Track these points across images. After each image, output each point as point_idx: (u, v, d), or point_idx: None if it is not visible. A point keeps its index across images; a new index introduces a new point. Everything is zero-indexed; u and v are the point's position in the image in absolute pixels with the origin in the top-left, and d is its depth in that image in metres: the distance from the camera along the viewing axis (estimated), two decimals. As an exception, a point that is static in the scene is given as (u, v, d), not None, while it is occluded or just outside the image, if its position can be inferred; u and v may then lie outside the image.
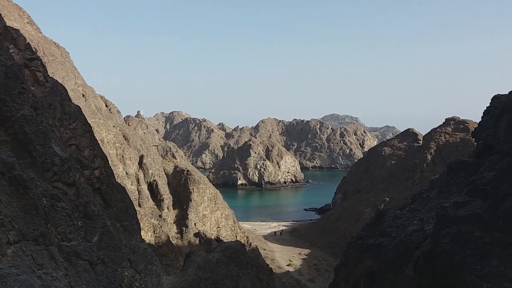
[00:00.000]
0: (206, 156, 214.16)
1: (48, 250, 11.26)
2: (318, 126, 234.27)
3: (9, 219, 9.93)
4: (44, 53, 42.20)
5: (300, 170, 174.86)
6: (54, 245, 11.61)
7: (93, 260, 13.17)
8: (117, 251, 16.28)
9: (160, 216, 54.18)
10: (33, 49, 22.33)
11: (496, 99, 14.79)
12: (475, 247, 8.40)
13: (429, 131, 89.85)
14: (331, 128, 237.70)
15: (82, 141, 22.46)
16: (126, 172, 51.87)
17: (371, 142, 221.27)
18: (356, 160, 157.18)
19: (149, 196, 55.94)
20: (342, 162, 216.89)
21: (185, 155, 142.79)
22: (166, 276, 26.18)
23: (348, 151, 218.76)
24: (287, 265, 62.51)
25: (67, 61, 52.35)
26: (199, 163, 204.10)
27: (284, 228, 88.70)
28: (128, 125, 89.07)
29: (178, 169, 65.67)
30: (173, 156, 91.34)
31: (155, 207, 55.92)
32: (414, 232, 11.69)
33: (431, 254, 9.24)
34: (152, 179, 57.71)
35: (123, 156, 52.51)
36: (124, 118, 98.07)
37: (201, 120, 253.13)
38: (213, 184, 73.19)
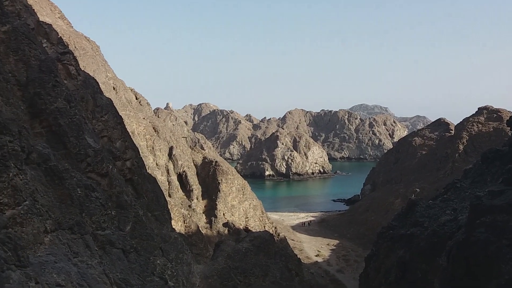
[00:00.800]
0: (233, 147, 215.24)
1: (83, 238, 11.62)
2: (347, 117, 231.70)
3: (45, 209, 10.27)
4: (75, 47, 43.14)
5: (328, 161, 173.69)
6: (89, 234, 11.97)
7: (126, 248, 13.51)
8: (149, 240, 16.65)
9: (189, 206, 54.95)
10: (65, 43, 22.87)
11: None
12: (511, 236, 8.19)
13: (461, 120, 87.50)
14: (360, 119, 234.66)
15: (114, 133, 22.94)
16: (156, 163, 52.73)
17: (401, 132, 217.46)
18: (385, 151, 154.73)
19: (179, 187, 56.75)
20: (371, 152, 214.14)
21: (213, 146, 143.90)
22: (197, 265, 26.61)
23: (377, 141, 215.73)
24: (316, 256, 62.42)
25: (98, 54, 53.40)
26: (227, 154, 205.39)
27: (312, 219, 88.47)
28: (158, 117, 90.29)
29: (206, 160, 66.25)
30: (202, 148, 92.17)
31: (185, 197, 56.69)
32: (447, 222, 11.47)
33: (465, 243, 9.06)
34: (181, 170, 58.46)
35: (153, 148, 53.38)
36: (153, 110, 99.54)
37: (228, 111, 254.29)
38: (240, 175, 73.53)
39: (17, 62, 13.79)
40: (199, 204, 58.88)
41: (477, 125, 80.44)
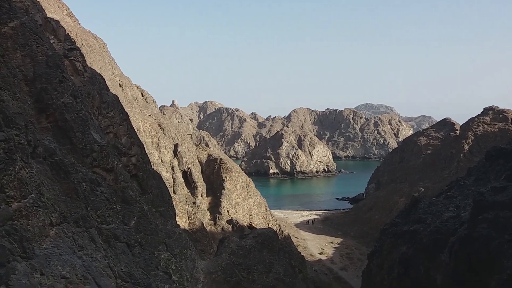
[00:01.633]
0: (238, 145, 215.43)
1: (88, 232, 11.75)
2: (352, 116, 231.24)
3: (51, 202, 10.39)
4: (82, 44, 43.34)
5: (332, 159, 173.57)
6: (94, 228, 12.10)
7: (131, 242, 13.64)
8: (153, 234, 16.78)
9: (194, 203, 55.15)
10: (72, 40, 23.04)
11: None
12: (513, 233, 8.21)
13: (466, 120, 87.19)
14: (365, 118, 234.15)
15: (119, 129, 23.09)
16: (161, 160, 52.94)
17: (406, 131, 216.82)
18: (390, 150, 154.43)
19: (184, 184, 56.97)
20: (375, 152, 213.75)
21: (218, 144, 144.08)
22: (201, 261, 26.75)
23: (382, 140, 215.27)
24: (319, 254, 62.50)
25: (105, 51, 53.64)
26: (232, 152, 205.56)
27: (316, 217, 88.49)
28: (163, 114, 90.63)
29: (211, 158, 66.45)
30: (207, 145, 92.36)
31: (189, 194, 56.89)
32: (450, 219, 11.50)
33: (468, 239, 9.09)
34: (186, 167, 58.65)
35: (158, 145, 53.60)
36: (159, 107, 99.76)
37: (233, 109, 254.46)
38: (245, 173, 73.72)
39: (24, 57, 13.92)
40: (203, 201, 59.10)
41: (482, 125, 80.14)
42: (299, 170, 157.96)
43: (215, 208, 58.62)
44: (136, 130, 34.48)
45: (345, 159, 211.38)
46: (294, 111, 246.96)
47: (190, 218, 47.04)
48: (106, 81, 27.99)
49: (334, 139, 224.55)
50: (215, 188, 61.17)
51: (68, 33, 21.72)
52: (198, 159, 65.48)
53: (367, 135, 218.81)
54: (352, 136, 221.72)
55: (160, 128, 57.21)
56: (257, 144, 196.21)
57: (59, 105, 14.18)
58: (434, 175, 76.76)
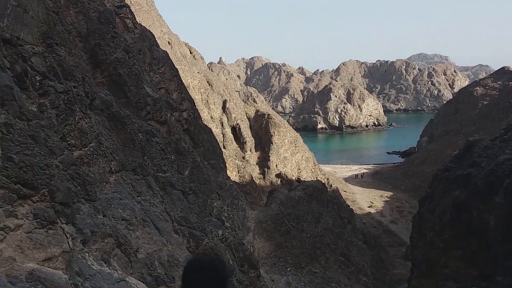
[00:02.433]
0: (286, 100, 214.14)
1: (145, 179, 12.43)
2: (404, 67, 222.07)
3: (110, 151, 11.02)
4: (130, 2, 43.85)
5: (383, 113, 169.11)
6: (151, 176, 12.77)
7: (186, 190, 14.31)
8: (206, 184, 17.47)
9: (243, 157, 56.25)
10: (121, -3, 23.37)
11: None
12: None
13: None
14: (418, 69, 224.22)
15: (170, 84, 23.65)
16: (211, 116, 53.90)
17: (461, 82, 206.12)
18: (444, 102, 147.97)
19: (233, 139, 57.99)
20: (429, 104, 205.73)
21: (265, 100, 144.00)
22: (251, 211, 27.64)
23: (436, 92, 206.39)
24: (368, 207, 62.46)
25: (152, 9, 54.08)
26: (279, 108, 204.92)
27: (366, 171, 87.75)
28: (211, 71, 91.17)
29: (259, 113, 66.83)
30: (254, 101, 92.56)
31: (239, 149, 57.98)
32: (505, 161, 11.13)
33: (523, 182, 8.84)
34: (235, 122, 59.45)
35: (207, 101, 54.46)
36: (207, 64, 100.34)
37: (280, 65, 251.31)
38: (293, 128, 73.70)
39: (77, 14, 14.40)
40: (252, 156, 60.10)
41: (544, 73, 74.94)
42: (348, 124, 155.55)
43: (263, 163, 59.55)
44: (186, 87, 35.09)
45: (397, 112, 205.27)
46: (343, 64, 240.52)
47: (240, 172, 48.12)
48: (155, 38, 28.41)
49: (385, 91, 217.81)
50: (263, 143, 61.87)
51: (116, -10, 22.04)
52: (246, 115, 66.07)
53: (420, 87, 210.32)
54: (404, 88, 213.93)
55: (209, 85, 57.91)
56: (304, 99, 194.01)
57: (112, 60, 14.70)
58: (491, 126, 73.33)
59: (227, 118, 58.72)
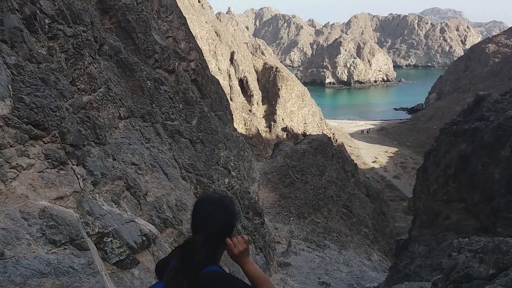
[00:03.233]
0: (294, 54, 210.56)
1: (154, 127, 12.56)
2: (416, 21, 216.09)
3: (119, 97, 11.08)
4: None
5: (392, 68, 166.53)
6: (159, 123, 12.89)
7: (193, 139, 14.47)
8: (213, 134, 17.63)
9: (250, 111, 56.26)
10: None
11: None
12: None
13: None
14: (431, 24, 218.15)
15: (178, 33, 23.33)
16: (218, 68, 53.41)
17: (474, 38, 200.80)
18: (455, 58, 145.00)
19: (240, 92, 57.77)
20: (439, 60, 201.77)
21: (273, 52, 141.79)
22: (257, 162, 27.98)
23: (447, 48, 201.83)
24: (373, 162, 62.95)
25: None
26: (287, 61, 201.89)
27: (372, 127, 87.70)
28: (220, 21, 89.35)
29: (267, 66, 66.11)
30: (262, 53, 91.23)
31: (246, 102, 57.89)
32: (514, 116, 11.10)
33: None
34: (242, 75, 58.99)
35: (215, 52, 53.77)
36: (215, 14, 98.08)
37: (290, 16, 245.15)
38: (301, 82, 73.06)
39: (84, -43, 14.04)
40: (259, 109, 60.09)
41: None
42: (356, 79, 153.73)
43: (270, 116, 59.60)
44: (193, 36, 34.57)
45: (406, 68, 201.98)
46: (354, 17, 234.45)
47: (246, 125, 48.29)
48: (162, -16, 27.71)
49: (396, 46, 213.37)
50: (270, 96, 61.64)
51: None
52: (254, 68, 65.42)
53: (432, 42, 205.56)
54: (415, 43, 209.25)
55: (217, 36, 56.99)
56: (313, 52, 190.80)
57: (121, 6, 14.47)
58: (501, 84, 72.26)
59: (235, 70, 58.23)
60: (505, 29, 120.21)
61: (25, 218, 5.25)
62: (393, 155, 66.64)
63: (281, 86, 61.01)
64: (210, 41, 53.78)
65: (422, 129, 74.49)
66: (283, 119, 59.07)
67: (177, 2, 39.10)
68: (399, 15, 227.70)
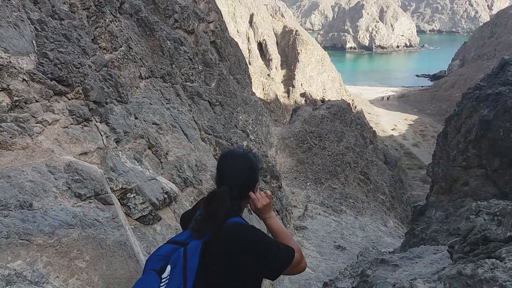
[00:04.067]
0: (315, 17, 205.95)
1: (174, 87, 12.55)
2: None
3: (139, 57, 11.05)
4: None
5: (416, 33, 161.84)
6: (179, 84, 12.88)
7: (213, 101, 14.45)
8: (232, 97, 17.57)
9: (268, 75, 55.66)
10: None
11: None
12: None
13: None
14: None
15: (197, -7, 22.91)
16: (237, 30, 52.61)
17: (501, 3, 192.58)
18: (481, 24, 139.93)
19: (259, 55, 57.03)
20: (464, 25, 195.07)
21: (293, 15, 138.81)
22: (275, 127, 27.95)
23: (473, 13, 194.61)
24: (392, 130, 62.31)
25: None
26: (308, 24, 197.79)
27: (392, 93, 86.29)
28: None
29: (286, 29, 64.88)
30: (282, 16, 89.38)
31: (264, 66, 57.22)
32: (541, 82, 10.76)
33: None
34: (261, 38, 58.09)
35: (234, 14, 52.85)
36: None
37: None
38: (321, 47, 71.68)
39: None
40: (277, 74, 59.41)
41: None
42: (378, 44, 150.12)
43: (289, 81, 58.97)
44: (212, -4, 33.97)
45: (430, 33, 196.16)
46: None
47: (264, 90, 48.01)
48: None
49: (420, 10, 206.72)
50: (289, 61, 60.76)
51: None
52: (273, 31, 64.27)
53: (457, 7, 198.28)
54: (440, 7, 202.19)
55: (236, -4, 55.88)
56: (335, 16, 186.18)
57: (140, -37, 14.22)
58: (529, 51, 69.85)
59: (254, 33, 57.33)
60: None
61: (51, 171, 5.36)
62: (413, 123, 65.77)
63: (301, 50, 59.98)
64: (230, 2, 52.78)
65: (444, 96, 73.04)
66: (301, 85, 58.41)
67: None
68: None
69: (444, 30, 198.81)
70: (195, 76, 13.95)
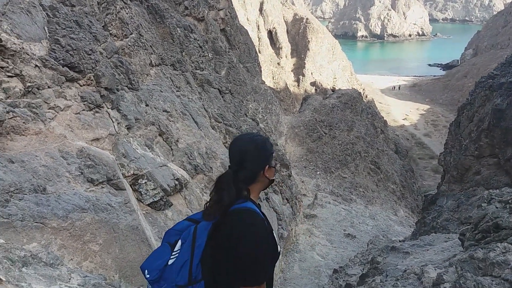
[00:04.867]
0: (326, 4, 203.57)
1: (184, 75, 12.56)
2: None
3: (150, 44, 11.05)
4: None
5: (428, 22, 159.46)
6: (189, 72, 12.88)
7: (222, 89, 14.46)
8: (242, 85, 17.53)
9: (278, 64, 55.29)
10: None
11: None
12: None
13: None
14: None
15: (206, -20, 22.74)
16: (247, 18, 52.23)
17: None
18: (495, 13, 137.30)
19: (269, 44, 56.62)
20: (478, 14, 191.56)
21: (304, 3, 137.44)
22: (284, 116, 27.87)
23: (487, 2, 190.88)
24: (403, 119, 61.78)
25: None
26: (318, 12, 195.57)
27: (404, 83, 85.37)
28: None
29: (297, 17, 64.23)
30: (293, 4, 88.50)
31: (274, 54, 56.82)
32: (556, 72, 10.59)
33: None
34: (271, 26, 57.62)
35: (244, 2, 52.44)
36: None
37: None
38: (332, 35, 70.96)
39: None
40: (287, 62, 58.99)
41: None
42: (390, 33, 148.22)
43: (299, 70, 58.54)
44: (222, -16, 33.72)
45: (443, 22, 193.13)
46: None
47: (274, 78, 47.80)
48: None
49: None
50: (299, 49, 60.25)
51: None
52: (283, 19, 63.71)
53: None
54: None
55: (246, -16, 55.38)
56: (346, 3, 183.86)
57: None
58: (544, 41, 68.59)
59: (264, 21, 56.83)
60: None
61: (64, 157, 5.41)
62: (424, 112, 65.08)
63: (311, 39, 59.40)
64: (240, -11, 52.35)
65: (456, 86, 72.09)
66: (312, 73, 57.97)
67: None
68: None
69: (457, 18, 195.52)
70: (205, 64, 13.94)
